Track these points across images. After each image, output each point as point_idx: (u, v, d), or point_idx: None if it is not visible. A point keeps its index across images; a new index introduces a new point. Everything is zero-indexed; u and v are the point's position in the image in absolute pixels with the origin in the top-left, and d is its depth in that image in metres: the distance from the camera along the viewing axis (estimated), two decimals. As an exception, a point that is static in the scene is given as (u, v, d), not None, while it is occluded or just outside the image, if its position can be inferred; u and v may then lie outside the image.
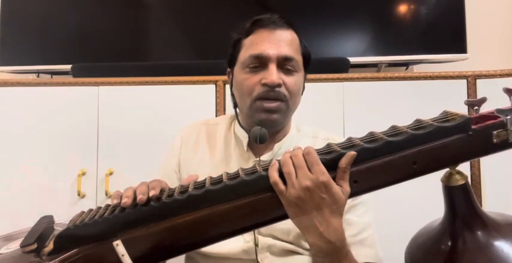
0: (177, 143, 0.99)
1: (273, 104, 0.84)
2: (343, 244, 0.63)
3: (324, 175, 0.59)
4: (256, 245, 0.86)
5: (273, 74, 0.82)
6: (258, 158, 0.90)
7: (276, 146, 0.91)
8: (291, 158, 0.61)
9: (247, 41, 0.88)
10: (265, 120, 0.85)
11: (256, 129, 0.84)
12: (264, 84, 0.83)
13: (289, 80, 0.85)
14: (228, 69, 0.96)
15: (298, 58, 0.88)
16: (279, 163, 0.61)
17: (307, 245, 0.87)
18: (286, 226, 0.84)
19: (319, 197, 0.58)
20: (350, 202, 0.78)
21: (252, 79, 0.85)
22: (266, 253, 0.86)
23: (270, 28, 0.86)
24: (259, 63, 0.85)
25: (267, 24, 0.86)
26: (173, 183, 0.95)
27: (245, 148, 0.92)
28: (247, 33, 0.88)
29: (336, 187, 0.59)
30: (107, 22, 1.82)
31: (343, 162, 0.58)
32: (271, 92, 0.83)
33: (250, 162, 0.90)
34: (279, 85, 0.83)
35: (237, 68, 0.90)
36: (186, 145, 0.98)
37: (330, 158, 0.59)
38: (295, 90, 0.86)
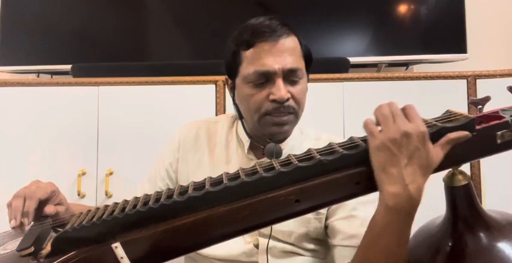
0: (175, 143, 0.98)
1: (283, 118, 0.83)
2: (417, 208, 0.59)
3: (423, 125, 0.57)
4: (256, 247, 0.86)
5: (281, 90, 0.81)
6: (259, 160, 0.90)
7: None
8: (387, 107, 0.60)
9: (248, 54, 0.84)
10: (276, 134, 0.85)
11: (271, 146, 0.85)
12: (273, 101, 0.82)
13: (295, 90, 0.84)
14: (227, 77, 0.93)
15: (302, 65, 0.86)
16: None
17: (308, 246, 0.87)
18: (288, 228, 0.85)
19: (415, 146, 0.56)
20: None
21: (259, 95, 0.83)
22: (267, 255, 0.85)
23: (272, 40, 0.83)
24: (264, 78, 0.83)
25: (268, 36, 0.83)
26: (161, 180, 0.97)
27: (246, 151, 0.92)
28: (248, 46, 0.84)
29: (431, 145, 0.57)
30: (107, 22, 1.82)
31: (454, 134, 0.57)
32: (281, 108, 0.82)
33: (251, 164, 0.89)
34: (288, 99, 0.83)
35: (240, 82, 0.87)
36: (184, 144, 0.97)
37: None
38: (303, 99, 0.86)
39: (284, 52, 0.83)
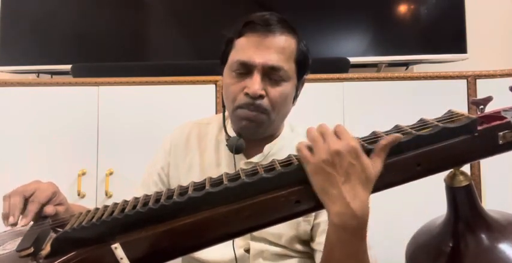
0: (167, 147, 0.97)
1: (251, 113, 0.81)
2: (365, 223, 0.58)
3: (354, 140, 0.57)
4: (247, 251, 0.85)
5: (255, 84, 0.79)
6: (247, 160, 0.88)
7: (267, 147, 0.89)
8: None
9: (237, 43, 0.84)
10: (244, 128, 0.83)
11: (233, 139, 0.83)
12: (246, 94, 0.80)
13: (273, 91, 0.81)
14: (222, 66, 0.92)
15: (289, 67, 0.82)
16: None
17: (299, 248, 0.86)
18: (278, 230, 0.84)
19: (348, 162, 0.56)
20: None
21: (236, 86, 0.82)
22: (259, 259, 0.85)
23: (262, 33, 0.81)
24: (245, 69, 0.81)
25: (260, 29, 0.81)
26: (155, 185, 0.96)
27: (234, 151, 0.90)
28: (239, 34, 0.84)
29: (365, 156, 0.56)
30: (107, 22, 1.82)
31: (386, 140, 0.57)
32: (251, 105, 0.80)
33: (240, 164, 0.88)
34: (261, 96, 0.80)
35: (226, 69, 0.87)
36: (175, 147, 0.96)
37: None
38: (279, 102, 0.82)
39: (270, 48, 0.80)
